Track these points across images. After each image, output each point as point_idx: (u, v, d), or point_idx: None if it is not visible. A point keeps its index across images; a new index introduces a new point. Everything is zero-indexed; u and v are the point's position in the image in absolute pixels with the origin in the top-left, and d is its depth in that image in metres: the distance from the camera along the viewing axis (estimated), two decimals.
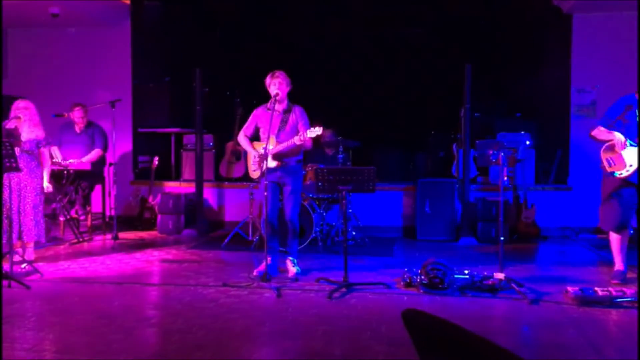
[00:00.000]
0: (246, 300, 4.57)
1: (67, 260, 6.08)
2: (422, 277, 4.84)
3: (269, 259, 5.11)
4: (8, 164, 4.98)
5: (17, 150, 5.22)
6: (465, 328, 1.48)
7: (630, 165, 4.82)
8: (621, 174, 4.87)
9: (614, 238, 5.10)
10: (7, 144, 4.96)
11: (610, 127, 4.95)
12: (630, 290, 4.53)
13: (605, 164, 4.96)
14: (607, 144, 4.97)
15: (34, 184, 5.57)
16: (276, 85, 5.21)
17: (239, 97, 8.78)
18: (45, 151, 5.79)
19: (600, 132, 5.00)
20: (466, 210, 7.35)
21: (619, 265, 5.12)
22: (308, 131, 5.06)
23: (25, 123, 5.61)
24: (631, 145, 4.83)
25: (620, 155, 4.86)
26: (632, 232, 5.38)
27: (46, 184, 5.87)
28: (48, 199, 6.25)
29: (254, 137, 5.54)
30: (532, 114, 8.40)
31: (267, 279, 4.92)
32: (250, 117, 5.53)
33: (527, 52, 8.31)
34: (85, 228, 7.57)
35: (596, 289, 4.55)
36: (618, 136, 4.86)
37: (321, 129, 5.09)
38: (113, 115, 7.11)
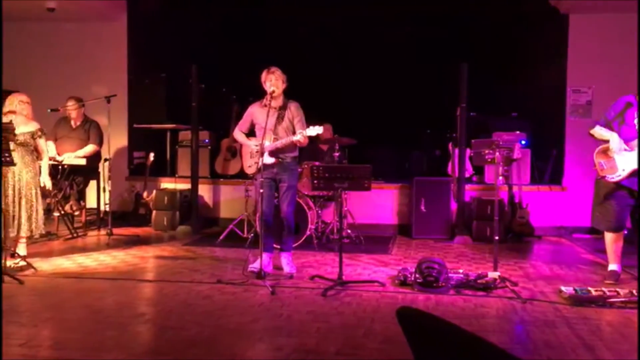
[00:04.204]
0: (240, 298, 4.57)
1: (61, 255, 6.07)
2: (417, 275, 4.84)
3: (264, 256, 5.10)
4: (3, 158, 4.96)
5: (11, 144, 5.20)
6: (459, 326, 1.48)
7: (623, 170, 4.83)
8: (613, 177, 4.88)
9: (609, 238, 5.12)
10: (3, 138, 4.94)
11: (609, 128, 4.95)
12: (623, 290, 4.54)
13: (598, 167, 4.97)
14: (600, 147, 4.97)
15: (29, 178, 5.51)
16: (272, 81, 5.19)
17: (236, 94, 8.76)
18: (41, 142, 5.73)
19: (598, 131, 5.01)
20: (461, 209, 7.37)
21: (613, 265, 5.14)
22: (308, 129, 5.03)
23: (20, 117, 5.57)
24: (625, 150, 4.83)
25: (613, 159, 4.87)
26: (626, 232, 5.40)
27: (46, 177, 5.77)
28: (43, 194, 6.21)
29: (249, 134, 5.53)
30: (527, 113, 8.40)
31: (262, 276, 4.91)
32: (246, 114, 5.51)
33: (523, 51, 8.32)
34: (80, 223, 7.56)
35: (590, 288, 4.58)
36: (615, 138, 4.86)
37: (322, 128, 5.06)
38: (109, 110, 7.09)
